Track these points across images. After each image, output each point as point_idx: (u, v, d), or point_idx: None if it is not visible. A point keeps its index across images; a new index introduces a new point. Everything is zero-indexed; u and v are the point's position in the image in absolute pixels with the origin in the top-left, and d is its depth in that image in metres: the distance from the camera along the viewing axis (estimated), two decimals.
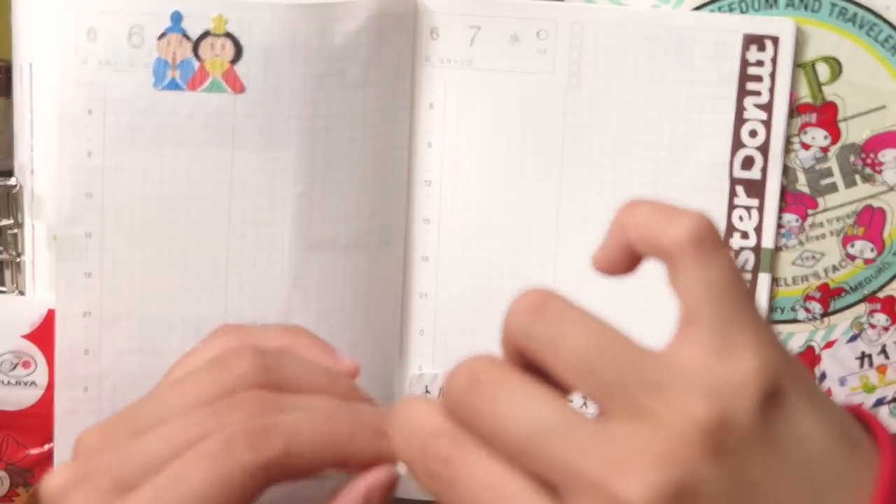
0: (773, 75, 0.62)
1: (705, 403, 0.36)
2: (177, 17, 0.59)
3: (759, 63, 0.62)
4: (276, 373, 0.49)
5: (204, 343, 0.53)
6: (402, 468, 0.42)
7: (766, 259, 0.63)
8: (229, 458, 0.44)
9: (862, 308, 0.64)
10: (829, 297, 0.64)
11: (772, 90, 0.62)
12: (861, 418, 0.41)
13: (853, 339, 0.64)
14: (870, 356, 0.65)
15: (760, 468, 0.37)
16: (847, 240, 0.64)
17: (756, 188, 0.63)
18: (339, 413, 0.47)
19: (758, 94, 0.62)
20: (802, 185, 0.63)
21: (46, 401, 0.61)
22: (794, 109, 0.63)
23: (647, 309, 0.60)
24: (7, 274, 0.62)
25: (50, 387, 0.61)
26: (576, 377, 0.38)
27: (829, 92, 0.62)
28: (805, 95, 0.63)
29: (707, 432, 0.36)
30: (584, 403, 0.42)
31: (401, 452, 0.40)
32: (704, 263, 0.38)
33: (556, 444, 0.37)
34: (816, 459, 0.38)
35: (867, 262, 0.64)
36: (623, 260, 0.41)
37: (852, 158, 0.63)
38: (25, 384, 0.61)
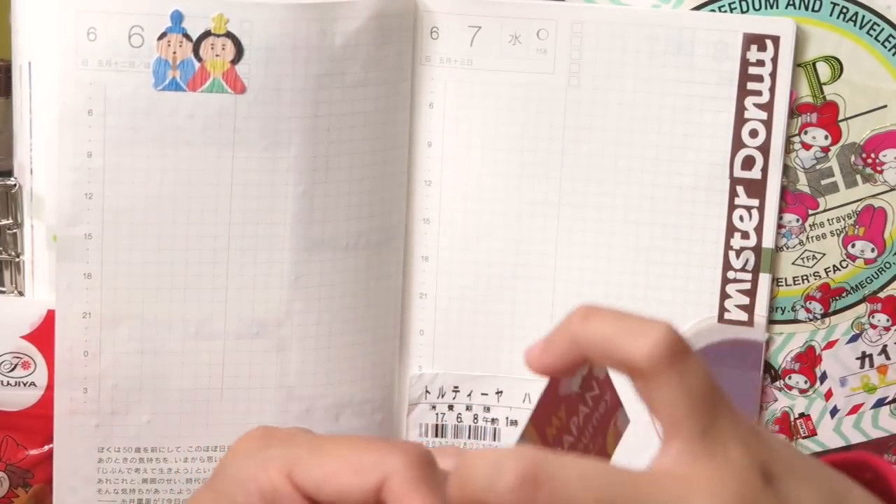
0: (773, 75, 0.62)
1: None
2: (177, 17, 0.59)
3: (760, 63, 0.62)
4: None
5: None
6: None
7: (767, 259, 0.63)
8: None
9: (863, 308, 0.64)
10: (829, 298, 0.64)
11: (772, 90, 0.62)
12: (869, 464, 0.41)
13: (854, 339, 0.64)
14: (870, 356, 0.64)
15: None
16: (848, 240, 0.64)
17: (756, 188, 0.63)
18: None
19: (758, 93, 0.62)
20: (803, 184, 0.63)
21: (46, 401, 0.61)
22: (795, 109, 0.63)
23: (648, 308, 0.60)
24: (6, 274, 0.62)
25: (49, 387, 0.61)
26: None
27: (830, 92, 0.62)
28: (805, 95, 0.62)
29: None
30: None
31: None
32: (681, 376, 0.37)
33: None
34: None
35: (868, 262, 0.64)
36: (567, 365, 0.40)
37: (853, 158, 0.63)
38: (25, 385, 0.61)
